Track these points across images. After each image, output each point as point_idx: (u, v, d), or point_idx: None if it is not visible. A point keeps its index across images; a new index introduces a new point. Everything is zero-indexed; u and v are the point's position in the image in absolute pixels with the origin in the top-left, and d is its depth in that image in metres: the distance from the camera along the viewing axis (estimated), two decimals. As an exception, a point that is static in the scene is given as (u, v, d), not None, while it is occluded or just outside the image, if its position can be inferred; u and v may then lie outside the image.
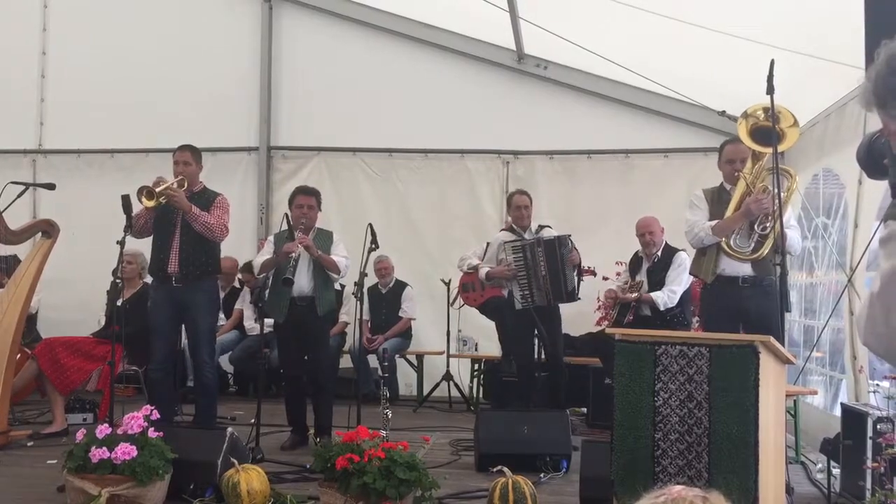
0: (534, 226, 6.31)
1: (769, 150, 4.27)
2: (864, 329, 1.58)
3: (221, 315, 7.97)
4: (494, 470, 4.07)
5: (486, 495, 3.99)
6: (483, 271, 6.37)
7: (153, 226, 5.49)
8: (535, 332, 6.16)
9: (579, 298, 6.41)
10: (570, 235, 6.22)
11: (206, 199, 5.57)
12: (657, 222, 6.28)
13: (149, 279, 6.40)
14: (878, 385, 4.25)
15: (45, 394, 6.16)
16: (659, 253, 6.23)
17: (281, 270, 5.43)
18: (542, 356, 6.34)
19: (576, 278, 6.17)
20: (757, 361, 3.01)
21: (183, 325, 5.64)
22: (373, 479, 3.69)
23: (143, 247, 6.05)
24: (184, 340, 6.00)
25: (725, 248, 4.61)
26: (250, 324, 7.82)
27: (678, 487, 1.34)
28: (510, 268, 6.08)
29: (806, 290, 6.95)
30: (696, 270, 4.96)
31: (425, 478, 3.87)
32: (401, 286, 8.00)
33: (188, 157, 5.53)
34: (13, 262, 6.88)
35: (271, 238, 5.89)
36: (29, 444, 5.62)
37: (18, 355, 5.88)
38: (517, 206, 6.24)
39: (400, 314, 7.89)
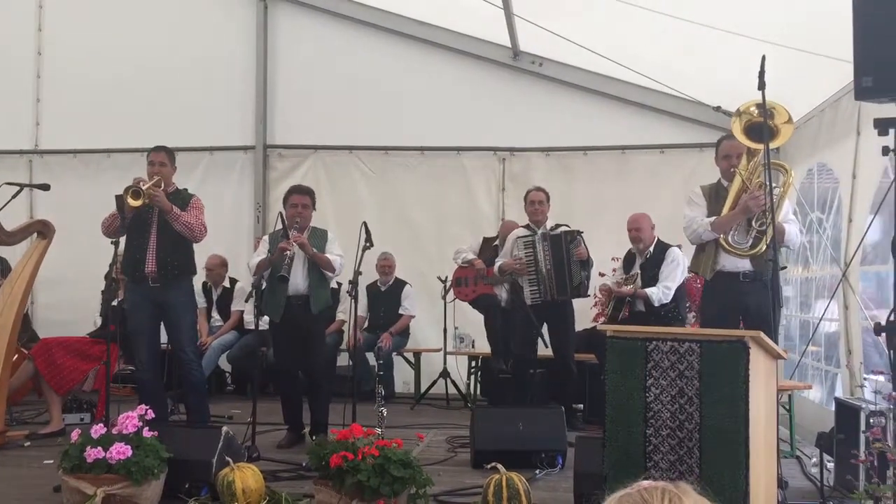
0: (550, 224, 6.39)
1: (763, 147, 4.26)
2: None
3: (218, 316, 8.00)
4: (489, 467, 4.08)
5: (481, 492, 4.00)
6: (497, 264, 6.51)
7: (127, 226, 5.45)
8: (536, 329, 6.18)
9: (588, 295, 6.45)
10: (580, 232, 6.27)
11: (183, 199, 5.56)
12: (646, 218, 6.29)
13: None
14: (865, 379, 4.25)
15: (42, 394, 6.17)
16: (651, 249, 6.24)
17: (276, 269, 5.44)
18: (534, 354, 6.35)
19: (583, 274, 6.21)
20: (747, 357, 3.00)
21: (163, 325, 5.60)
22: (367, 476, 3.71)
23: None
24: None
25: (724, 244, 4.61)
26: (250, 317, 7.77)
27: (647, 482, 1.36)
28: (521, 262, 6.19)
29: (802, 284, 6.95)
30: (694, 267, 4.96)
31: (419, 475, 3.89)
32: (400, 284, 7.99)
33: (164, 157, 5.53)
34: (5, 265, 6.87)
35: (266, 238, 5.89)
36: (26, 444, 5.63)
37: (15, 356, 5.88)
38: (531, 202, 6.43)
39: (400, 311, 7.88)
